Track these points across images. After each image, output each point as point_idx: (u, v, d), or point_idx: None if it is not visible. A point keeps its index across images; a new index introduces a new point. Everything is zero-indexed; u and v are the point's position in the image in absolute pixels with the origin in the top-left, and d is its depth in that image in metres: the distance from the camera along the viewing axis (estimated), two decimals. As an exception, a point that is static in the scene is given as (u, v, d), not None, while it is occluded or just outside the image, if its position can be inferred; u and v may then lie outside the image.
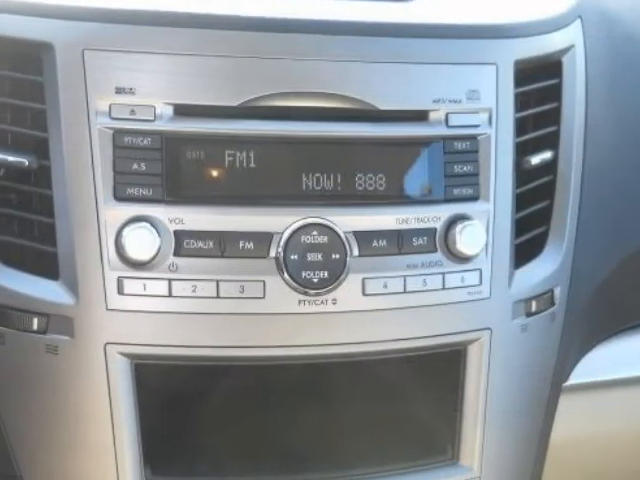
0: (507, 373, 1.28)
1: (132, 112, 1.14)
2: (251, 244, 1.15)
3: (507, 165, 1.26)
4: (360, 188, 1.19)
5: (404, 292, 1.20)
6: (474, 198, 1.24)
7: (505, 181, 1.25)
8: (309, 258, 1.16)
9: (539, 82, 1.31)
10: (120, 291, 1.14)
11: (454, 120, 1.22)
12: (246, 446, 1.24)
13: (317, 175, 1.18)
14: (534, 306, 1.30)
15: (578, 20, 1.37)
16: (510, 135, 1.26)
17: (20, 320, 1.15)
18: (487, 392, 1.26)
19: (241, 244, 1.15)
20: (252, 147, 1.16)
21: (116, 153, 1.13)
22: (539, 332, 1.31)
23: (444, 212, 1.22)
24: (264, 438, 1.24)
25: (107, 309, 1.14)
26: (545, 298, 1.31)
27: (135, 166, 1.13)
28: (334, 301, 1.18)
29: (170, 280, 1.14)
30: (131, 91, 1.13)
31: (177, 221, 1.14)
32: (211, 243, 1.14)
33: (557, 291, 1.33)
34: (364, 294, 1.19)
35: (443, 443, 1.29)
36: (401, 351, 1.22)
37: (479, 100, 1.24)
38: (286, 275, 1.16)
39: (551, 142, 1.32)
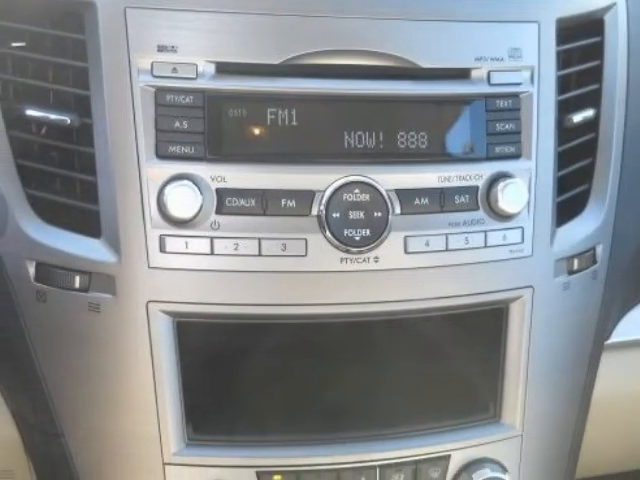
0: (549, 331, 1.28)
1: (174, 70, 1.13)
2: (293, 202, 1.15)
3: (549, 123, 1.25)
4: (402, 146, 1.19)
5: (446, 250, 1.20)
6: (516, 156, 1.23)
7: (547, 139, 1.25)
8: (351, 216, 1.16)
9: (581, 40, 1.31)
10: (162, 249, 1.14)
11: (496, 78, 1.22)
12: (287, 404, 1.24)
13: (359, 133, 1.17)
14: (576, 264, 1.30)
15: None
16: (552, 93, 1.26)
17: (62, 278, 1.16)
18: (529, 350, 1.27)
19: (283, 202, 1.15)
20: (294, 105, 1.16)
21: (158, 111, 1.13)
22: (581, 290, 1.31)
23: (486, 170, 1.21)
24: (305, 396, 1.24)
25: (149, 267, 1.15)
26: (587, 256, 1.31)
27: (177, 124, 1.14)
28: (376, 259, 1.18)
29: (212, 238, 1.14)
30: (173, 49, 1.13)
31: (219, 179, 1.14)
32: (253, 201, 1.14)
33: (599, 249, 1.32)
34: (406, 252, 1.18)
35: (485, 401, 1.29)
36: (443, 309, 1.23)
37: (521, 58, 1.23)
38: (328, 233, 1.16)
39: (593, 100, 1.32)
